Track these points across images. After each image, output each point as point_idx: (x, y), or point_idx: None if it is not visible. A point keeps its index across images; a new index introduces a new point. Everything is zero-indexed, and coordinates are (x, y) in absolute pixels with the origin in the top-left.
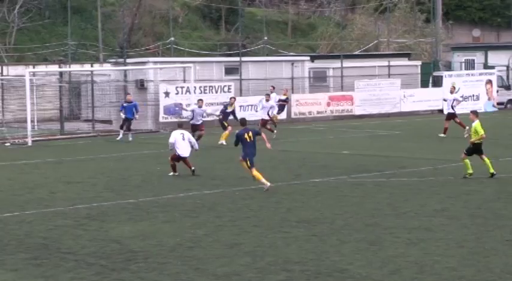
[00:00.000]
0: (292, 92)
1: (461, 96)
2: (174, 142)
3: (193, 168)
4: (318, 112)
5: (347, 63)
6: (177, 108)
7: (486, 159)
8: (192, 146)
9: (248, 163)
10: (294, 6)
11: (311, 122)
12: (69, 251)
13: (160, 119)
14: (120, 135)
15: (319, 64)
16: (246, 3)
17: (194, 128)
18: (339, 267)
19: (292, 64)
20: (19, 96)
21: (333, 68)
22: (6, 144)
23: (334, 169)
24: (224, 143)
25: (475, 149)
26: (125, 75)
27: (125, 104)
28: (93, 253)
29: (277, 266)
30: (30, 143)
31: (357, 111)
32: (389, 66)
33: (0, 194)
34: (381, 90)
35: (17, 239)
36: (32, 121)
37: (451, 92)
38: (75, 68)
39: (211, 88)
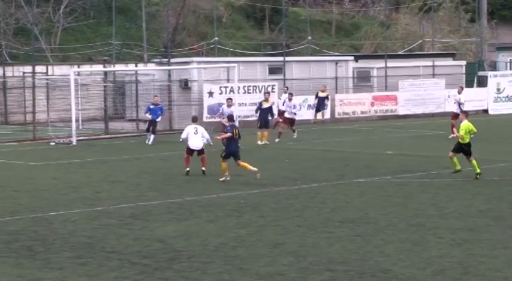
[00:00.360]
0: (336, 92)
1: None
2: (186, 137)
3: (203, 169)
4: (362, 112)
5: (391, 63)
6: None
7: (473, 160)
8: (206, 140)
9: (234, 159)
10: (338, 6)
11: (355, 122)
12: (113, 251)
13: (204, 119)
14: (151, 140)
15: (363, 64)
16: (290, 3)
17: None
18: (383, 267)
19: (336, 64)
20: (64, 95)
21: (377, 68)
22: (51, 143)
23: (378, 169)
24: (267, 142)
25: (461, 148)
26: (169, 75)
27: (151, 106)
28: (136, 252)
29: (320, 266)
30: (74, 143)
31: (401, 111)
32: (433, 66)
33: (45, 193)
34: (425, 91)
35: (62, 238)
36: (77, 120)
37: (459, 93)
38: (119, 67)
39: (254, 88)
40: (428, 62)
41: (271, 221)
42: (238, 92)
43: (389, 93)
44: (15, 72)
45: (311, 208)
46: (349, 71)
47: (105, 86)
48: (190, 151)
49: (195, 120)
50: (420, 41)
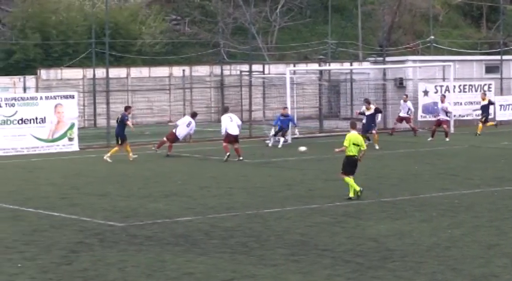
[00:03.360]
0: None
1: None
2: (225, 128)
3: (241, 158)
4: None
5: None
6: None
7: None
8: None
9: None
10: None
11: None
12: (326, 248)
13: (419, 118)
14: (280, 142)
15: None
16: (508, 1)
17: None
18: None
19: None
20: (279, 94)
21: None
22: (267, 141)
23: None
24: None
25: (350, 164)
26: (384, 74)
27: (281, 118)
28: (349, 250)
29: None
30: (290, 141)
31: None
32: None
33: (260, 191)
34: None
35: (276, 235)
36: None
37: (442, 101)
38: (334, 66)
39: (470, 87)
40: None
41: (485, 222)
42: (454, 91)
43: None
44: (232, 71)
45: None
46: None
47: (320, 85)
48: (229, 139)
49: (226, 110)
50: None
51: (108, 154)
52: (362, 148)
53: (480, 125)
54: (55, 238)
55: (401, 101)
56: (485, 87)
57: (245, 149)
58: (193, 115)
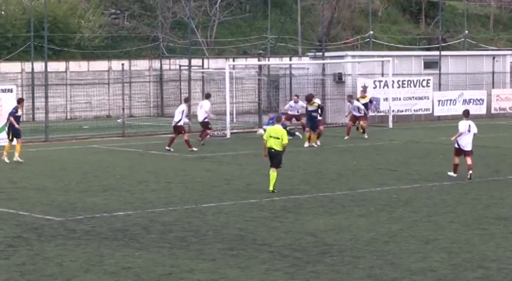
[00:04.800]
0: (493, 87)
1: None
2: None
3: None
4: None
5: None
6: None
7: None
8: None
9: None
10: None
11: (511, 117)
12: (264, 243)
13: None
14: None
15: None
16: None
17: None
18: None
19: (493, 58)
20: (219, 89)
21: None
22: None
23: None
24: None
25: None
26: (323, 69)
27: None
28: (288, 245)
29: (473, 263)
30: (228, 136)
31: None
32: None
33: (199, 186)
34: None
35: (215, 229)
36: (231, 114)
37: (358, 100)
38: (274, 61)
39: (409, 82)
40: None
41: (423, 217)
42: (393, 87)
43: None
44: (171, 65)
45: (464, 204)
46: (506, 66)
47: (259, 80)
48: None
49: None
50: None
51: (17, 154)
52: (283, 142)
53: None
54: None
55: (348, 103)
56: (424, 83)
57: (184, 144)
58: (186, 100)
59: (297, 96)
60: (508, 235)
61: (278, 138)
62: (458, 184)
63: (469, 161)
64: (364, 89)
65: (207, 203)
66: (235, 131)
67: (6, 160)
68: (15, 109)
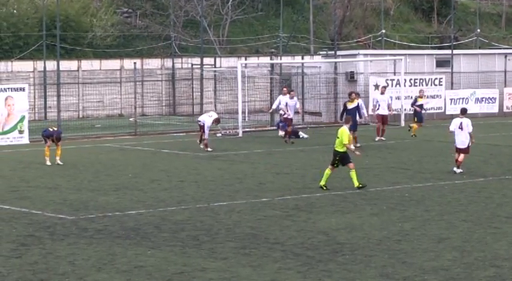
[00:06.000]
0: (505, 86)
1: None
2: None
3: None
4: None
5: None
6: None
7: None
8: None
9: None
10: None
11: None
12: (276, 242)
13: (370, 112)
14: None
15: None
16: None
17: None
18: None
19: (506, 57)
20: (231, 87)
21: None
22: (217, 134)
23: None
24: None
25: (339, 158)
26: (335, 68)
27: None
28: (300, 243)
29: (485, 261)
30: (240, 134)
31: None
32: None
33: (211, 184)
34: None
35: (227, 228)
36: (243, 112)
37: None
38: (286, 60)
39: (421, 81)
40: None
41: (435, 216)
42: (405, 85)
43: None
44: (183, 64)
45: (477, 203)
46: None
47: (271, 78)
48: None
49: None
50: None
51: None
52: (343, 142)
53: (415, 125)
54: (5, 231)
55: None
56: (436, 82)
57: (195, 142)
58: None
59: (292, 90)
60: None
61: (338, 137)
62: (471, 183)
63: (460, 157)
64: (384, 87)
65: (219, 201)
66: (247, 129)
67: (48, 163)
68: None
